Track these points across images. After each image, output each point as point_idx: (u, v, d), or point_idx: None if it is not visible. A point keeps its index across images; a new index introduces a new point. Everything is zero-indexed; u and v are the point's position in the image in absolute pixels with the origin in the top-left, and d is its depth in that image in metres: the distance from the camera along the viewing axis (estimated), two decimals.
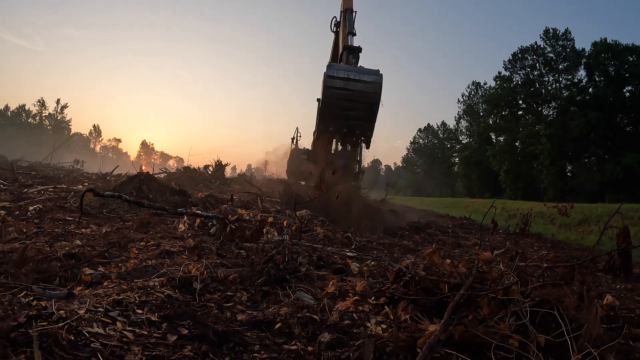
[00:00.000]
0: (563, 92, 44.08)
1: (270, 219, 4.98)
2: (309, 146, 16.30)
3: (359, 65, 9.90)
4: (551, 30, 46.96)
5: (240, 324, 2.34)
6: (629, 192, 31.69)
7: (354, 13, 11.35)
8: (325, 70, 8.85)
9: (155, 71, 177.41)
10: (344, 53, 10.12)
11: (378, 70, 9.18)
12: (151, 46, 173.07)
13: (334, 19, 12.80)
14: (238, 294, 2.80)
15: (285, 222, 5.22)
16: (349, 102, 8.76)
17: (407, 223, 9.26)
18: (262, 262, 3.25)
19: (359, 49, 9.94)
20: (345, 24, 11.22)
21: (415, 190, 68.49)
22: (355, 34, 10.71)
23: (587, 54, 43.40)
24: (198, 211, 5.42)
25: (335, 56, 13.63)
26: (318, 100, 15.09)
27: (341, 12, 11.87)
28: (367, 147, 11.02)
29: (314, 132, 15.36)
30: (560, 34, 46.59)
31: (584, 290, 2.12)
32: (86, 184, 10.09)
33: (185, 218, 5.21)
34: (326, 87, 8.61)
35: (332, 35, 13.82)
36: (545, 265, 2.54)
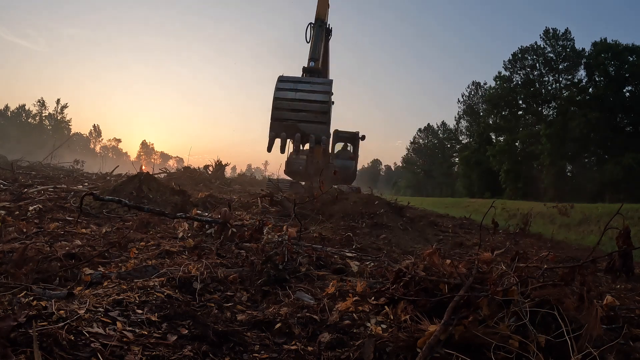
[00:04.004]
0: (563, 92, 44.11)
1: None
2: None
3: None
4: (551, 30, 47.00)
5: (240, 324, 2.34)
6: (629, 192, 31.68)
7: (325, 26, 11.62)
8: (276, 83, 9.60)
9: (155, 71, 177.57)
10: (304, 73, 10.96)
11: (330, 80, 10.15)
12: (152, 46, 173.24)
13: (310, 27, 11.99)
14: (238, 294, 2.80)
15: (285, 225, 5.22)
16: (298, 111, 9.40)
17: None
18: (262, 262, 3.25)
19: (317, 72, 10.89)
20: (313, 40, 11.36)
21: (415, 190, 68.48)
22: (317, 59, 11.08)
23: (587, 54, 43.43)
24: (198, 211, 5.42)
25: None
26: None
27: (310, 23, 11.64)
28: (324, 148, 12.02)
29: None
30: (560, 34, 46.64)
31: (584, 291, 2.12)
32: (86, 184, 10.09)
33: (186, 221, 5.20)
34: (276, 99, 9.36)
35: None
36: (545, 266, 2.54)
